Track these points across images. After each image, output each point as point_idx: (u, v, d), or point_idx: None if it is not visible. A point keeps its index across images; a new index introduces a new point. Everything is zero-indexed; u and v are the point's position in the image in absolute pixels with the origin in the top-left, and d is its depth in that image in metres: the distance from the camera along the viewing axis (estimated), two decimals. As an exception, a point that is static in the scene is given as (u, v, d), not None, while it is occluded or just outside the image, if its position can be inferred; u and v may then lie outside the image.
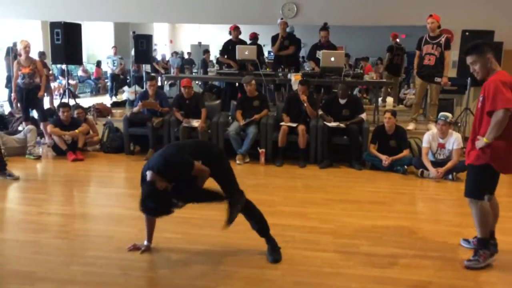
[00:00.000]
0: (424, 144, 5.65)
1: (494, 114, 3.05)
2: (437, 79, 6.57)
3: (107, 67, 11.50)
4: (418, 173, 5.63)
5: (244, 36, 8.42)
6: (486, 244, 3.26)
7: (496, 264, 3.28)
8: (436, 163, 5.56)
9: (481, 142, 3.13)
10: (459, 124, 7.00)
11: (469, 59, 3.22)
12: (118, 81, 11.16)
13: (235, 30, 7.78)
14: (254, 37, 8.67)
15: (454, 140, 5.53)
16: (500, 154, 3.12)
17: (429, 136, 5.64)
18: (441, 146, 5.59)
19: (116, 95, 10.76)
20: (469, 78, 6.83)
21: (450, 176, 5.49)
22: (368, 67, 10.54)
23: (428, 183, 5.45)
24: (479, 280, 3.04)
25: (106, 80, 13.41)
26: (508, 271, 3.19)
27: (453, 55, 6.87)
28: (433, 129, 5.83)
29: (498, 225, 4.06)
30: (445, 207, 4.68)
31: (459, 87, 7.34)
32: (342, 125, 6.09)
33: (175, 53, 14.89)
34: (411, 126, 6.75)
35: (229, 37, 7.93)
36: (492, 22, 7.12)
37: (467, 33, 6.67)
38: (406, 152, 5.87)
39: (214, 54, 14.16)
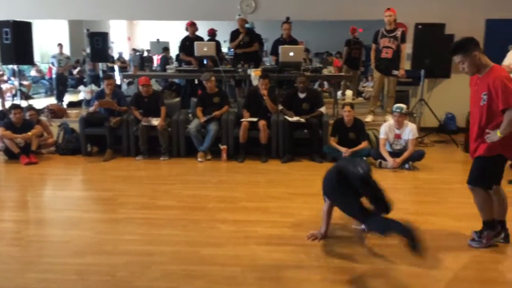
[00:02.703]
0: (381, 136, 5.78)
1: (508, 112, 3.04)
2: (395, 72, 6.73)
3: (53, 67, 10.72)
4: (376, 163, 5.76)
5: (203, 32, 8.36)
6: (491, 226, 3.35)
7: (451, 248, 3.39)
8: (393, 153, 5.70)
9: (494, 136, 3.12)
10: (415, 115, 7.20)
11: (456, 59, 3.19)
12: (64, 82, 10.52)
13: (192, 26, 7.70)
14: (212, 33, 8.60)
15: (409, 131, 5.69)
16: (509, 143, 3.14)
17: (386, 128, 5.78)
18: (398, 137, 5.74)
19: (62, 99, 9.85)
20: (422, 70, 7.02)
21: (406, 166, 5.65)
22: (336, 61, 10.67)
23: (386, 173, 5.58)
24: (435, 265, 3.12)
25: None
26: (463, 255, 3.30)
27: (407, 48, 7.05)
28: (390, 120, 5.98)
29: (452, 210, 4.24)
30: (402, 196, 4.80)
31: (414, 79, 7.55)
32: (302, 119, 6.14)
33: (134, 50, 14.59)
34: (369, 118, 6.90)
35: (186, 33, 7.84)
36: (443, 15, 7.36)
37: (419, 26, 6.86)
38: (364, 144, 5.99)
39: (174, 51, 13.99)
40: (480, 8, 7.69)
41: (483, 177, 3.29)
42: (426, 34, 6.78)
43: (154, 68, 10.92)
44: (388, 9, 6.62)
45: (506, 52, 6.00)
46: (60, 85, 9.91)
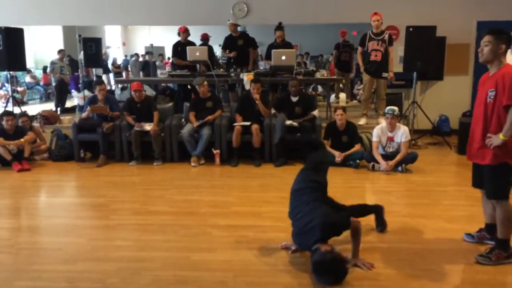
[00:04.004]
0: (374, 138, 5.80)
1: None
2: (384, 74, 6.76)
3: (50, 74, 10.52)
4: (369, 166, 5.77)
5: (195, 37, 8.36)
6: (504, 246, 3.17)
7: (443, 251, 3.40)
8: (386, 156, 5.72)
9: (496, 139, 3.01)
10: (408, 117, 7.23)
11: (485, 38, 3.09)
12: (65, 89, 10.37)
13: (184, 32, 7.71)
14: (205, 37, 8.62)
15: (402, 133, 5.70)
16: None
17: (379, 130, 5.79)
18: (390, 139, 5.75)
19: (63, 106, 9.65)
20: (415, 73, 7.06)
21: (399, 168, 5.66)
22: (333, 65, 10.69)
23: (379, 176, 5.59)
24: (427, 268, 3.12)
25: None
26: (455, 257, 3.31)
27: (399, 51, 7.08)
28: (383, 123, 5.99)
29: (444, 212, 4.24)
30: (395, 199, 4.81)
31: (406, 82, 7.58)
32: (295, 123, 6.15)
33: (136, 55, 14.52)
34: (362, 121, 6.92)
35: (178, 38, 7.85)
36: (434, 18, 7.41)
37: (411, 29, 6.89)
38: (357, 147, 6.01)
39: (168, 55, 14.00)
40: (471, 10, 7.75)
41: (495, 187, 3.13)
42: (417, 37, 6.81)
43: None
44: (375, 13, 6.66)
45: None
46: (62, 92, 9.80)
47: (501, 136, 3.00)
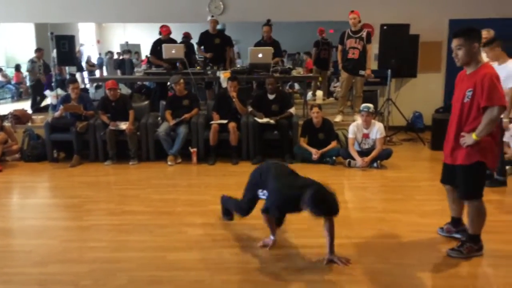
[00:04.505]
0: (350, 135, 5.85)
1: (489, 110, 2.92)
2: (361, 72, 6.83)
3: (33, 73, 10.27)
4: (345, 163, 5.82)
5: (178, 35, 8.28)
6: (475, 240, 3.20)
7: (416, 245, 3.45)
8: (362, 153, 5.78)
9: (469, 139, 3.01)
10: (383, 114, 7.33)
11: (455, 42, 3.04)
12: (41, 89, 10.15)
13: (165, 30, 7.61)
14: (186, 35, 8.55)
15: (377, 130, 5.77)
16: (488, 149, 3.02)
17: (354, 127, 5.85)
18: (366, 136, 5.82)
19: (39, 106, 9.43)
20: (389, 70, 7.15)
21: (375, 164, 5.73)
22: (309, 61, 10.73)
23: (355, 172, 5.65)
24: (401, 263, 3.17)
25: (28, 85, 12.56)
26: (428, 251, 3.37)
27: (374, 48, 7.16)
28: (358, 120, 6.05)
29: (418, 207, 4.32)
30: (370, 195, 4.87)
31: (381, 79, 7.67)
32: (272, 121, 6.16)
33: (110, 53, 14.28)
34: (338, 118, 6.97)
35: (156, 36, 7.76)
36: (408, 16, 7.52)
37: (385, 27, 6.98)
38: (334, 144, 6.06)
39: (145, 53, 13.83)
40: (443, 8, 7.88)
41: (469, 188, 3.14)
42: (391, 35, 6.91)
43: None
44: (352, 11, 6.72)
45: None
46: (38, 92, 9.53)
47: (473, 135, 3.00)
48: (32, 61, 9.54)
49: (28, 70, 9.81)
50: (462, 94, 3.10)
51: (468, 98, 3.04)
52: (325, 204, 2.93)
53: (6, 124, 6.67)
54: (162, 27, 7.71)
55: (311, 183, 3.04)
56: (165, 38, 7.60)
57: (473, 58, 3.04)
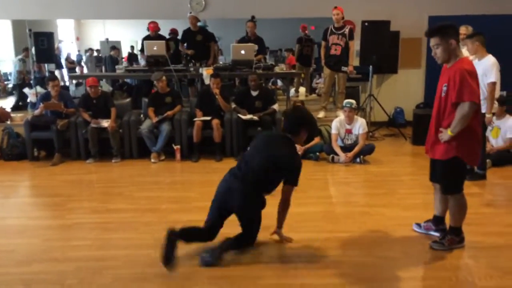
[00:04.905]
0: (333, 131, 5.90)
1: (460, 106, 2.94)
2: (344, 68, 6.88)
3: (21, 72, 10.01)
4: (329, 158, 5.87)
5: (165, 31, 8.21)
6: (457, 232, 3.25)
7: (400, 238, 3.51)
8: (345, 148, 5.84)
9: (445, 134, 3.04)
10: (365, 110, 7.41)
11: (431, 41, 3.05)
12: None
13: (153, 27, 7.53)
14: (173, 32, 8.49)
15: (359, 125, 5.83)
16: (465, 145, 3.03)
17: (337, 123, 5.90)
18: (348, 132, 5.88)
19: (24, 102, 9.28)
20: (370, 66, 7.23)
21: (358, 159, 5.79)
22: (291, 58, 10.75)
23: (339, 167, 5.70)
24: (385, 255, 3.22)
25: (6, 83, 12.31)
26: (412, 244, 3.42)
27: (356, 45, 7.22)
28: (341, 116, 6.11)
29: (401, 201, 4.39)
30: (354, 189, 4.93)
31: (363, 75, 7.75)
32: (255, 117, 6.16)
33: (90, 50, 14.05)
34: (321, 114, 7.02)
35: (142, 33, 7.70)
36: (388, 13, 7.60)
37: (366, 24, 7.04)
38: (317, 140, 6.09)
39: (128, 50, 13.65)
40: (423, 5, 7.98)
41: (449, 182, 3.17)
42: (372, 31, 6.98)
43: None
44: (335, 7, 6.76)
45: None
46: (22, 90, 9.35)
47: (449, 131, 3.03)
48: (22, 60, 9.40)
49: (19, 70, 9.65)
50: (440, 89, 3.14)
51: (444, 93, 3.08)
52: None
53: (-16, 122, 6.53)
54: (150, 23, 7.64)
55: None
56: (153, 34, 7.52)
57: (451, 54, 3.04)
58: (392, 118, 7.91)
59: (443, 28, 3.03)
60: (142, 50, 7.78)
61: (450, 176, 3.17)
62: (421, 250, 3.31)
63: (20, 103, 9.16)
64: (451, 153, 3.07)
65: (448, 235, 3.29)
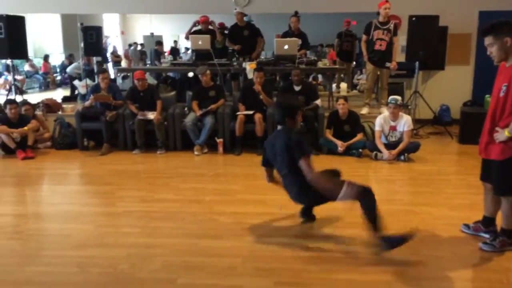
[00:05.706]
0: (377, 128, 5.82)
1: None
2: (387, 64, 6.77)
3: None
4: (372, 155, 5.81)
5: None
6: (509, 234, 3.17)
7: (448, 238, 3.44)
8: (389, 145, 5.75)
9: (501, 135, 2.96)
10: (410, 107, 7.26)
11: (486, 41, 2.96)
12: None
13: (204, 23, 7.61)
14: (221, 26, 8.60)
15: (404, 122, 5.73)
16: None
17: (381, 120, 5.82)
18: (393, 129, 5.79)
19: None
20: (417, 63, 7.07)
21: (402, 157, 5.69)
22: (332, 53, 10.67)
23: (382, 165, 5.63)
24: (433, 255, 3.17)
25: (55, 75, 12.88)
26: (460, 244, 3.36)
27: (401, 40, 7.09)
28: (385, 112, 6.02)
29: (448, 201, 4.29)
30: (398, 187, 4.86)
31: (408, 71, 7.59)
32: (298, 112, 6.16)
33: (135, 44, 14.44)
34: (364, 111, 6.94)
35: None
36: (437, 7, 7.40)
37: (413, 19, 6.89)
38: (360, 136, 6.04)
39: (171, 44, 13.93)
40: (473, 0, 7.73)
41: (504, 184, 3.08)
42: (420, 26, 6.81)
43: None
44: (386, 1, 6.63)
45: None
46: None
47: (506, 132, 2.94)
48: None
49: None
50: (498, 88, 3.04)
51: (503, 92, 2.98)
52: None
53: (38, 112, 6.85)
54: (201, 17, 7.72)
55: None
56: (205, 28, 7.59)
57: (508, 52, 2.93)
58: (437, 116, 7.71)
59: (496, 26, 2.92)
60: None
61: (505, 177, 3.07)
62: (470, 251, 3.24)
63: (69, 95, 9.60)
64: (508, 153, 2.99)
65: (499, 237, 3.20)
